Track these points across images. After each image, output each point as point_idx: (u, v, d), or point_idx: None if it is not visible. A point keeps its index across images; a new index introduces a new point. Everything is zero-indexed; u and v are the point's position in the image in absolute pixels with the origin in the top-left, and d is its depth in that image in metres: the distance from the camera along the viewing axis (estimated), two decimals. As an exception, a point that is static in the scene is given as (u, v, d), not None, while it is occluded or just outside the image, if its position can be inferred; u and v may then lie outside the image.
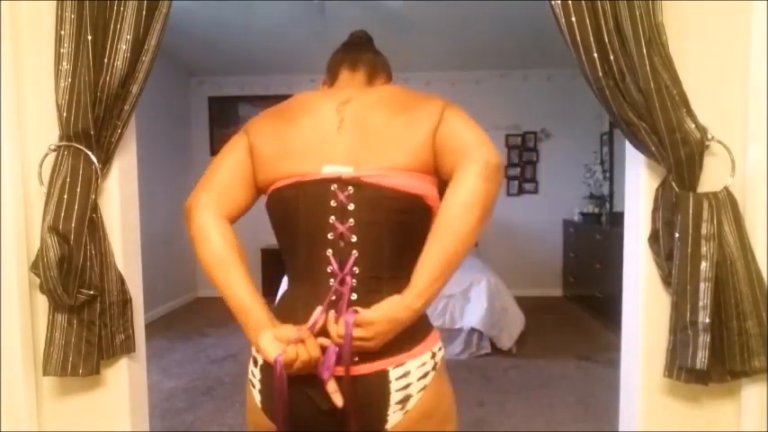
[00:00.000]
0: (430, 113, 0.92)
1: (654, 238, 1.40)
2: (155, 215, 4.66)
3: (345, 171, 0.91)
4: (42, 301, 1.41)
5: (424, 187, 0.92)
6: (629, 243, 1.53)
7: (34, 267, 1.32)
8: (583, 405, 2.84)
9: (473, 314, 3.56)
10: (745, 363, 1.30)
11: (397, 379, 0.88)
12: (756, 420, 1.38)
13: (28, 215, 1.44)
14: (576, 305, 5.15)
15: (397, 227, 0.91)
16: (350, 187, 0.90)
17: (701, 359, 1.26)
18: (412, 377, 0.89)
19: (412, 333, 0.90)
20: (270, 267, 5.13)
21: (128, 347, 1.45)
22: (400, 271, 0.91)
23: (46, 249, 1.26)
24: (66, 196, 1.29)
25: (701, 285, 1.27)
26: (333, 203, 0.91)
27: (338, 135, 0.93)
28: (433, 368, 0.93)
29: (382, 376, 0.88)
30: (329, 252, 0.91)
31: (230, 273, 0.93)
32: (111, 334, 1.40)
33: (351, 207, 0.90)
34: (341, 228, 0.91)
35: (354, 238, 0.90)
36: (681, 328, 1.30)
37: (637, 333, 1.47)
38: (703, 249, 1.27)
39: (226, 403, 2.88)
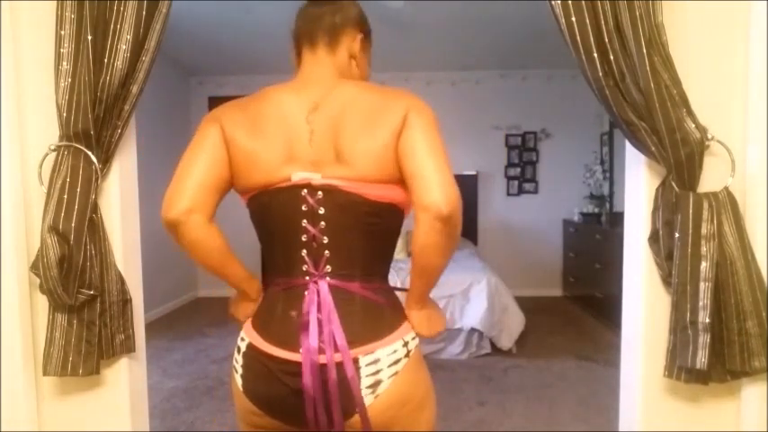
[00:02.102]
0: (392, 119, 0.92)
1: (654, 238, 1.40)
2: (155, 215, 4.63)
3: (314, 177, 0.94)
4: (42, 301, 1.41)
5: (391, 192, 0.96)
6: (629, 243, 1.53)
7: (34, 267, 1.32)
8: (583, 405, 2.84)
9: (473, 314, 3.56)
10: (745, 363, 1.30)
11: (367, 365, 0.94)
12: (756, 420, 1.39)
13: (28, 215, 1.44)
14: (576, 305, 5.15)
15: (368, 228, 0.97)
16: (319, 192, 0.95)
17: (701, 359, 1.26)
18: (382, 363, 0.95)
19: (383, 323, 0.98)
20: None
21: (128, 347, 1.45)
22: (372, 269, 1.00)
23: (46, 249, 1.27)
24: (66, 196, 1.29)
25: (701, 285, 1.27)
26: (304, 208, 0.96)
27: (309, 147, 0.95)
28: (406, 355, 0.97)
29: (353, 363, 0.94)
30: (304, 252, 0.98)
31: (228, 269, 1.08)
32: (111, 334, 1.40)
33: (321, 211, 0.95)
34: (313, 230, 0.96)
35: (326, 240, 0.97)
36: (681, 328, 1.30)
37: (637, 333, 1.47)
38: (703, 249, 1.27)
39: (226, 403, 2.88)
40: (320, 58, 1.03)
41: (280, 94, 1.00)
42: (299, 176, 0.94)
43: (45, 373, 1.36)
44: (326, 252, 0.97)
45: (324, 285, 0.97)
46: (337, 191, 0.94)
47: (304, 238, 0.97)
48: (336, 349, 0.93)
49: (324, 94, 0.97)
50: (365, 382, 0.93)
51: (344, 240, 0.97)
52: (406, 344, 0.98)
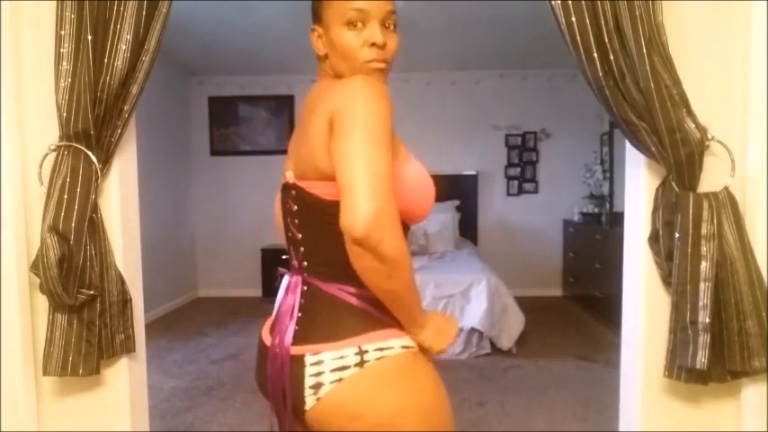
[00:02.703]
0: (319, 123, 0.89)
1: (654, 238, 1.40)
2: (155, 215, 4.66)
3: (290, 176, 1.00)
4: (42, 301, 1.41)
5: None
6: (629, 243, 1.53)
7: (34, 267, 1.32)
8: (583, 405, 2.84)
9: (473, 314, 3.56)
10: (745, 363, 1.30)
11: (311, 365, 0.93)
12: (756, 420, 1.39)
13: (28, 215, 1.44)
14: (576, 305, 5.14)
15: (327, 227, 0.92)
16: (293, 191, 0.99)
17: (701, 359, 1.26)
18: (325, 366, 0.92)
19: (341, 326, 0.94)
20: (269, 267, 5.14)
21: (128, 347, 1.45)
22: (337, 268, 0.93)
23: (46, 249, 1.26)
24: (66, 196, 1.29)
25: (701, 285, 1.27)
26: (287, 205, 1.02)
27: (302, 144, 0.98)
28: (358, 364, 0.90)
29: (300, 360, 0.94)
30: (291, 248, 1.04)
31: None
32: (111, 334, 1.40)
33: (295, 208, 0.99)
34: (292, 227, 1.01)
35: (300, 236, 1.00)
36: (681, 328, 1.30)
37: (637, 333, 1.47)
38: (703, 249, 1.27)
39: (226, 403, 2.88)
40: (320, 68, 1.06)
41: (308, 95, 1.07)
42: (287, 175, 1.01)
43: (45, 373, 1.36)
44: (302, 248, 1.01)
45: (297, 280, 1.00)
46: (300, 189, 0.97)
47: (290, 235, 1.03)
48: (294, 343, 0.96)
49: (313, 98, 1.02)
50: (308, 381, 0.93)
51: (313, 238, 0.99)
52: (361, 353, 0.91)
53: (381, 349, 0.93)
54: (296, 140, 1.03)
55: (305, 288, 1.00)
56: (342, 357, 0.91)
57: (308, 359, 0.93)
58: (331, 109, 0.85)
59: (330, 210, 0.91)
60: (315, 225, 0.97)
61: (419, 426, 0.92)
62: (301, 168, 0.97)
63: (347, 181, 0.79)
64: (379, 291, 0.88)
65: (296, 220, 1.00)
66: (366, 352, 0.92)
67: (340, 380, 0.91)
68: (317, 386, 0.92)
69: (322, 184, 0.93)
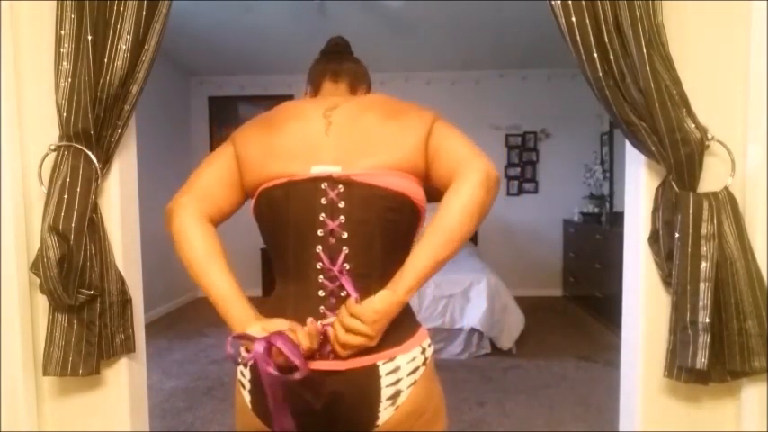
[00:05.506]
0: (421, 121, 0.95)
1: (654, 238, 1.40)
2: (155, 215, 4.64)
3: (334, 170, 0.91)
4: (42, 301, 1.41)
5: (411, 188, 0.94)
6: (629, 243, 1.53)
7: (34, 267, 1.32)
8: (583, 405, 2.84)
9: (473, 314, 3.56)
10: (745, 363, 1.30)
11: (387, 374, 0.88)
12: (756, 420, 1.38)
13: (28, 215, 1.44)
14: (576, 305, 5.14)
15: (386, 224, 0.92)
16: (340, 186, 0.91)
17: (701, 359, 1.26)
18: (402, 372, 0.89)
19: (401, 327, 0.92)
20: (270, 267, 5.14)
21: (128, 347, 1.45)
22: (389, 268, 0.92)
23: (46, 249, 1.26)
24: (66, 196, 1.29)
25: (701, 285, 1.27)
26: (323, 201, 0.91)
27: (326, 138, 0.94)
28: (423, 363, 0.93)
29: (372, 371, 0.87)
30: (319, 248, 0.91)
31: (211, 271, 0.94)
32: (111, 334, 1.40)
33: (341, 204, 0.91)
34: (331, 225, 0.91)
35: (345, 235, 0.91)
36: (681, 329, 1.30)
37: (637, 333, 1.47)
38: (703, 249, 1.27)
39: (226, 403, 2.88)
40: (342, 89, 1.10)
41: (299, 102, 1.04)
42: (318, 170, 0.92)
43: (45, 373, 1.36)
44: (345, 248, 0.91)
45: (345, 283, 0.91)
46: (358, 184, 0.91)
47: (320, 233, 0.91)
48: (354, 354, 0.87)
49: (344, 100, 1.01)
50: (385, 393, 0.87)
51: (364, 236, 0.91)
52: (423, 350, 0.94)
53: (430, 344, 0.97)
54: (316, 133, 0.95)
55: (342, 294, 0.90)
56: (413, 359, 0.91)
57: (383, 368, 0.87)
58: (433, 116, 0.96)
59: (392, 204, 0.92)
60: (370, 221, 0.91)
61: (445, 410, 1.00)
62: (358, 161, 0.92)
63: (474, 149, 0.92)
64: (467, 231, 0.88)
65: (341, 218, 0.90)
66: (425, 349, 0.94)
67: (414, 383, 0.90)
68: (395, 396, 0.88)
69: (390, 177, 0.91)
